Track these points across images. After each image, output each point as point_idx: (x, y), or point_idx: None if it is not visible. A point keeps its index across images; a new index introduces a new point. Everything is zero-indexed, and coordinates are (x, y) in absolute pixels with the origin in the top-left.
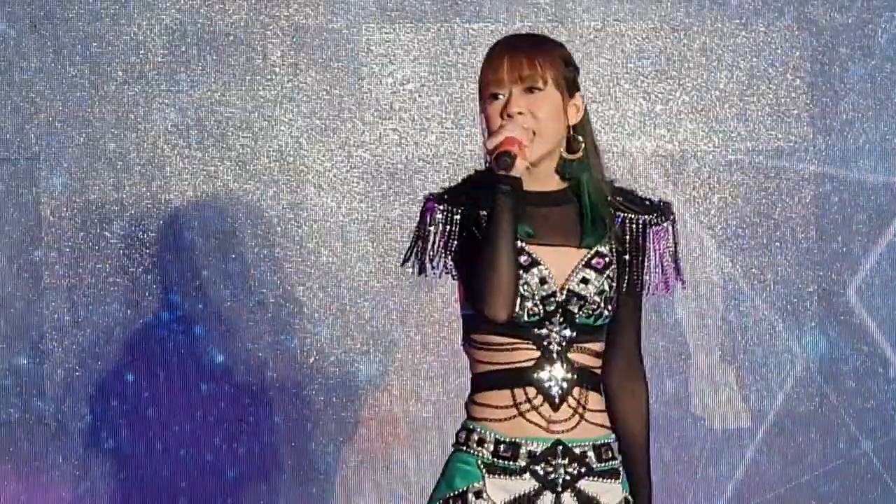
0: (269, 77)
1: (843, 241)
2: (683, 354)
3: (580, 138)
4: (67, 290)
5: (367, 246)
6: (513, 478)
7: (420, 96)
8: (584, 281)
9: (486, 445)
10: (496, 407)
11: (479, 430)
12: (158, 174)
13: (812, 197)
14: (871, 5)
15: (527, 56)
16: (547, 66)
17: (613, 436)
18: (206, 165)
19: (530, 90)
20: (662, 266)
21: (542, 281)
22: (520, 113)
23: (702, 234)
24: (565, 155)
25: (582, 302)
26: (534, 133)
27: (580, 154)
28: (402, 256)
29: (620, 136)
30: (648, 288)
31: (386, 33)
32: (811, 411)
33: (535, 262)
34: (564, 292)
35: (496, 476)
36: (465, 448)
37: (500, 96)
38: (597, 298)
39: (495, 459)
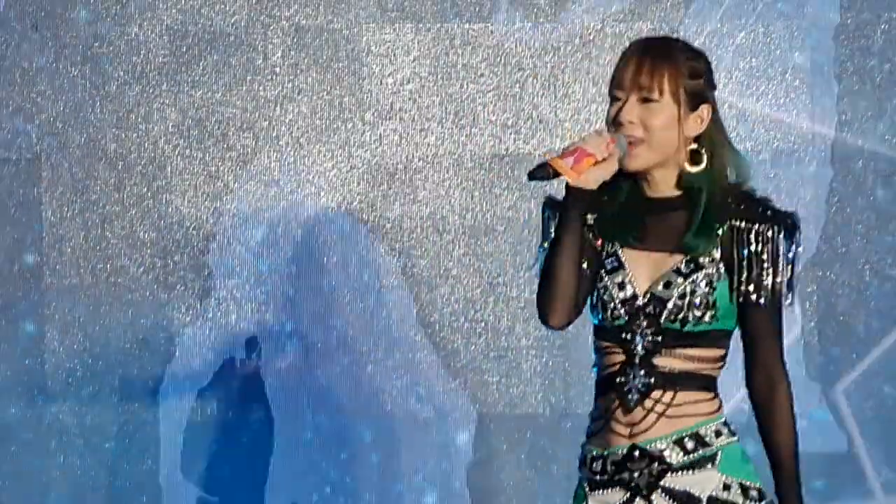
0: (269, 77)
1: (843, 241)
2: None
3: (702, 151)
4: (67, 290)
5: (367, 246)
6: (607, 490)
7: (420, 96)
8: (668, 285)
9: (586, 464)
10: (595, 419)
11: (585, 449)
12: (159, 174)
13: (812, 197)
14: (871, 5)
15: (651, 65)
16: (668, 78)
17: (710, 422)
18: (207, 165)
19: (646, 100)
20: (764, 276)
21: (621, 286)
22: (630, 122)
23: None
24: (687, 167)
25: (663, 306)
26: (642, 141)
27: (703, 167)
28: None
29: None
30: (750, 296)
31: (386, 33)
32: (811, 411)
33: (620, 266)
34: (647, 296)
35: (596, 491)
36: (580, 470)
37: (619, 99)
38: (679, 302)
39: (592, 476)
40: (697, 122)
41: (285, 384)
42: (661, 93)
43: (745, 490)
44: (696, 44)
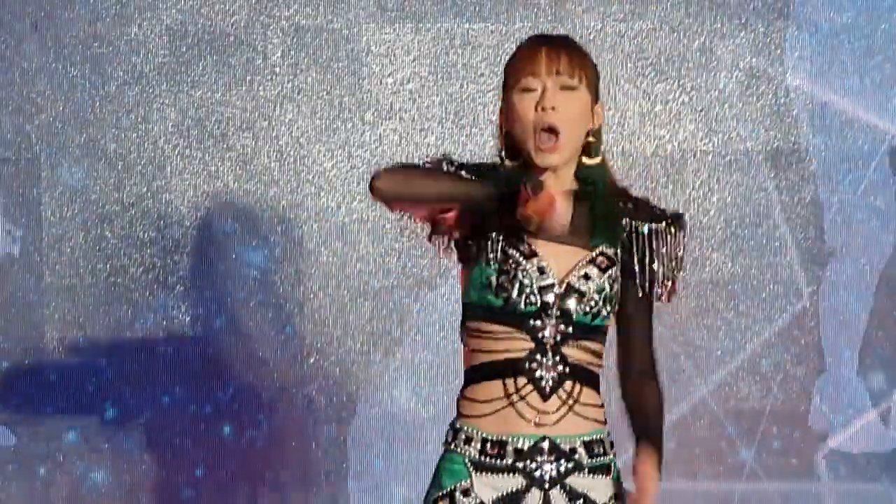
0: (269, 77)
1: (843, 242)
2: (684, 355)
3: (599, 143)
4: (67, 290)
5: (367, 246)
6: (501, 475)
7: (420, 96)
8: (586, 277)
9: (472, 444)
10: (485, 401)
11: (466, 429)
12: (159, 174)
13: (812, 197)
14: (871, 5)
15: (566, 52)
16: (583, 67)
17: (606, 430)
18: (207, 165)
19: (565, 88)
20: (659, 274)
21: (541, 270)
22: (553, 108)
23: (702, 234)
24: (585, 160)
25: (580, 298)
26: (558, 134)
27: (599, 159)
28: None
29: (620, 136)
30: (648, 294)
31: (386, 33)
32: (811, 412)
33: (533, 253)
34: (563, 286)
35: (484, 474)
36: (452, 447)
37: (534, 89)
38: (595, 296)
39: (482, 457)
40: (598, 115)
41: (285, 384)
42: (580, 80)
43: None
44: (696, 44)
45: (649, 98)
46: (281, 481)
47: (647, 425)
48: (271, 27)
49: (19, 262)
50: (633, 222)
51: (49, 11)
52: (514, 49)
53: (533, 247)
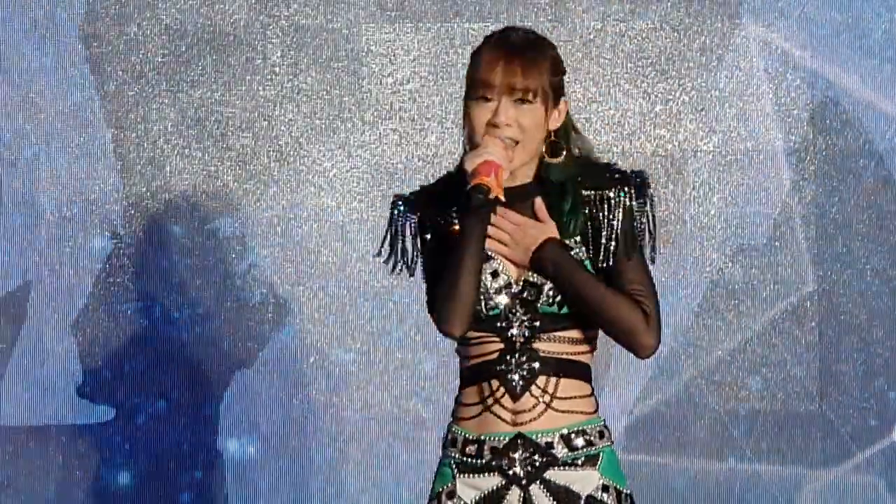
0: (269, 77)
1: (843, 241)
2: (684, 355)
3: (562, 143)
4: (67, 291)
5: (367, 246)
6: (480, 475)
7: (420, 96)
8: (541, 270)
9: (457, 445)
10: (467, 405)
11: (453, 430)
12: (158, 174)
13: (812, 197)
14: (870, 5)
15: (521, 65)
16: (538, 79)
17: (593, 422)
18: (206, 165)
19: (519, 101)
20: (624, 236)
21: (495, 274)
22: (507, 124)
23: (702, 234)
24: (548, 159)
25: (538, 291)
26: (516, 143)
27: (562, 158)
28: (378, 249)
29: (620, 136)
30: (612, 258)
31: (386, 33)
32: (811, 411)
33: (489, 257)
34: (520, 283)
35: (466, 475)
36: (444, 450)
37: (489, 100)
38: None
39: (464, 458)
40: (559, 115)
41: (285, 384)
42: (534, 94)
43: (619, 495)
44: (696, 44)
45: (649, 98)
46: (281, 481)
47: (590, 275)
48: (271, 27)
49: (19, 263)
50: (588, 193)
51: (49, 11)
52: (479, 45)
53: (489, 251)
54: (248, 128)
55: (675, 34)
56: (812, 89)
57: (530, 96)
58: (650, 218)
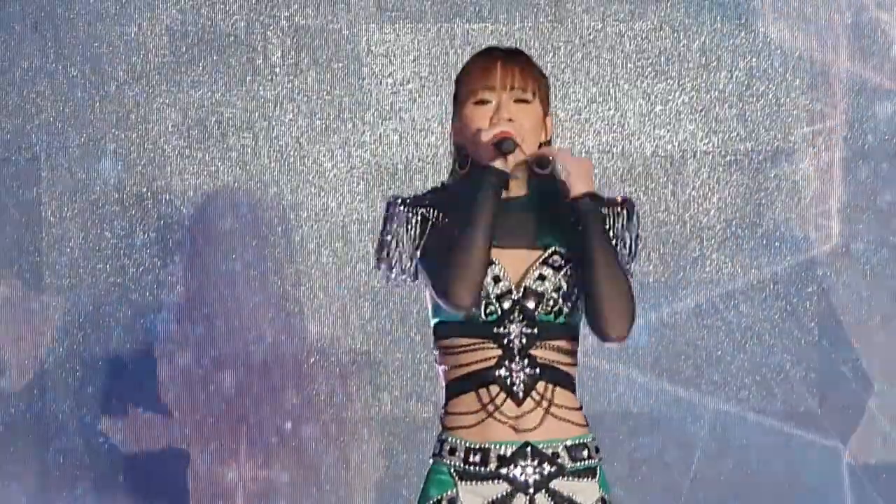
0: (269, 77)
1: (843, 242)
2: (683, 355)
3: (548, 154)
4: (67, 290)
5: (367, 246)
6: (485, 483)
7: (420, 96)
8: (542, 278)
9: (457, 454)
10: (465, 413)
11: (450, 439)
12: (159, 174)
13: (812, 197)
14: (871, 5)
15: (519, 67)
16: (536, 81)
17: (590, 436)
18: (207, 165)
19: (519, 101)
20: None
21: (497, 279)
22: (510, 119)
23: (702, 234)
24: (536, 170)
25: (539, 298)
26: (521, 140)
27: (548, 169)
28: (373, 260)
29: (620, 136)
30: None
31: (386, 33)
32: (811, 411)
33: (491, 262)
34: (521, 290)
35: (469, 482)
36: (439, 458)
37: (489, 102)
38: (554, 295)
39: (466, 466)
40: (549, 127)
41: (285, 384)
42: (533, 94)
43: None
44: (696, 44)
45: (649, 98)
46: (281, 481)
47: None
48: (271, 27)
49: (20, 263)
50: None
51: (49, 11)
52: (467, 61)
53: (492, 241)
54: (248, 128)
55: (675, 34)
56: (812, 89)
57: (529, 95)
58: (636, 241)
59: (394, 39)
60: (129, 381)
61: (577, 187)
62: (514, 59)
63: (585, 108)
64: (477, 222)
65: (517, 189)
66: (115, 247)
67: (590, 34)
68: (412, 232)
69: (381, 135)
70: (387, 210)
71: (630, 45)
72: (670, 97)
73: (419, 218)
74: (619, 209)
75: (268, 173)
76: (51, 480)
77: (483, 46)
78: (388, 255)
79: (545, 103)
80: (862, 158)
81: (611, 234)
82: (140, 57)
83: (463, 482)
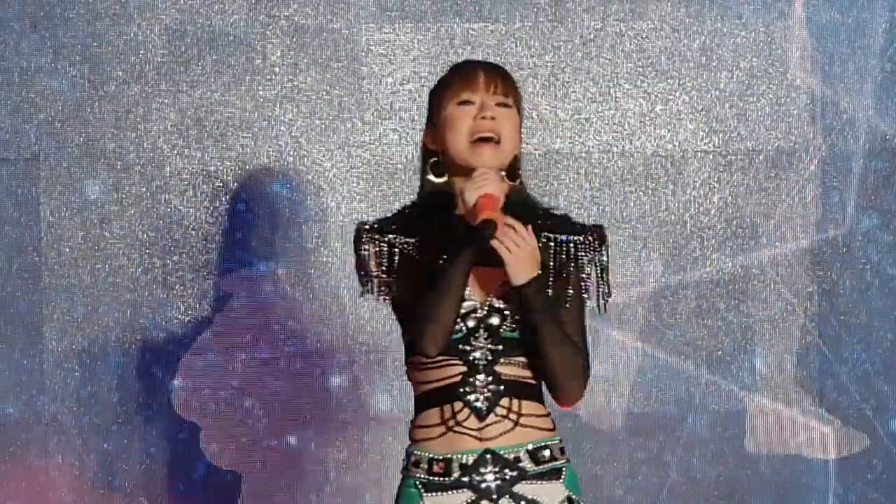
0: (268, 77)
1: (844, 241)
2: (683, 354)
3: (517, 167)
4: (67, 290)
5: None
6: (450, 492)
7: (420, 96)
8: (506, 296)
9: (421, 466)
10: (429, 426)
11: (416, 452)
12: (158, 174)
13: (812, 197)
14: (871, 5)
15: (500, 73)
16: (515, 90)
17: (555, 439)
18: (206, 165)
19: (500, 105)
20: (585, 283)
21: (462, 298)
22: (493, 118)
23: (702, 235)
24: (507, 181)
25: (502, 316)
26: (497, 143)
27: (518, 182)
28: (363, 292)
29: (620, 136)
30: (568, 300)
31: (386, 33)
32: (811, 411)
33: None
34: (486, 308)
35: (433, 493)
36: (406, 471)
37: (472, 103)
38: (519, 312)
39: (430, 477)
40: (522, 137)
41: (285, 384)
42: (514, 100)
43: None
44: (696, 44)
45: (649, 98)
46: (281, 481)
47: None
48: (270, 27)
49: (19, 262)
50: (553, 235)
51: (48, 11)
52: (447, 72)
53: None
54: (247, 128)
55: (675, 34)
56: (812, 89)
57: (510, 101)
58: (605, 271)
59: (393, 39)
60: (128, 382)
61: (520, 275)
62: (495, 68)
63: (585, 107)
64: (453, 280)
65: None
66: (115, 247)
67: (590, 34)
68: (381, 261)
69: (380, 135)
70: (354, 239)
71: (630, 44)
72: (670, 97)
73: (386, 247)
74: (590, 238)
75: (268, 173)
76: (51, 480)
77: (462, 59)
78: (365, 281)
79: (521, 115)
80: (863, 158)
81: (582, 262)
82: (139, 56)
83: (429, 494)
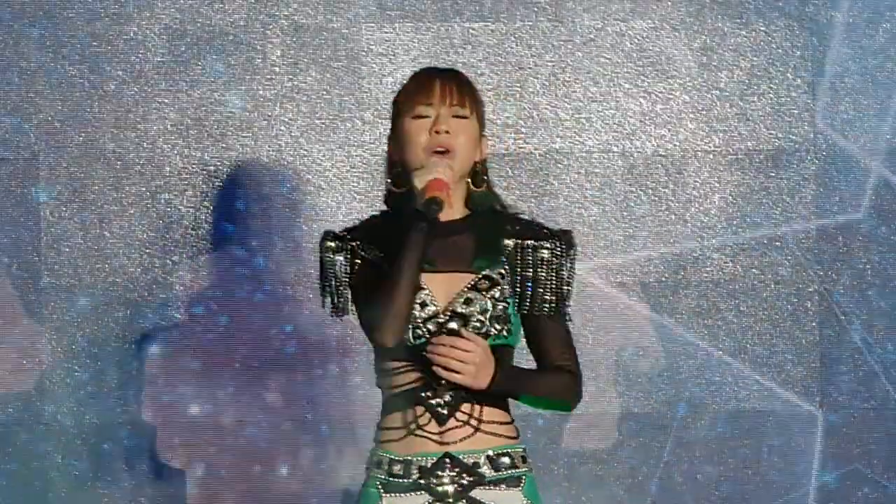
0: (268, 77)
1: (844, 241)
2: (683, 354)
3: (483, 174)
4: (67, 290)
5: None
6: (407, 494)
7: None
8: (468, 301)
9: (382, 467)
10: (392, 429)
11: (378, 453)
12: (158, 174)
13: (812, 197)
14: (871, 5)
15: (457, 84)
16: (473, 98)
17: (517, 447)
18: (206, 165)
19: (456, 116)
20: (552, 288)
21: (423, 304)
22: (447, 132)
23: (702, 235)
24: (472, 188)
25: (464, 322)
26: (454, 155)
27: (484, 187)
28: (321, 302)
29: (621, 136)
30: (541, 308)
31: (385, 32)
32: (811, 411)
33: (419, 287)
34: (447, 313)
35: (392, 494)
36: (368, 472)
37: (427, 116)
38: (481, 317)
39: (390, 479)
40: (484, 146)
41: (285, 385)
42: (470, 111)
43: None
44: (696, 44)
45: (649, 98)
46: (281, 481)
47: (533, 373)
48: (270, 26)
49: (19, 262)
50: (520, 241)
51: (49, 11)
52: (407, 80)
53: (420, 282)
54: (247, 127)
55: (675, 34)
56: (812, 89)
57: (466, 111)
58: (572, 276)
59: (393, 39)
60: (127, 382)
61: (482, 382)
62: (453, 77)
63: (585, 107)
64: (403, 273)
65: (455, 212)
66: (114, 246)
67: (590, 34)
68: (342, 268)
69: (381, 135)
70: (319, 246)
71: (630, 44)
72: (671, 97)
73: (348, 254)
74: (557, 243)
75: (268, 173)
76: (50, 481)
77: (422, 67)
78: (326, 290)
79: (482, 123)
80: (861, 158)
81: (550, 268)
82: (139, 56)
83: (387, 495)
